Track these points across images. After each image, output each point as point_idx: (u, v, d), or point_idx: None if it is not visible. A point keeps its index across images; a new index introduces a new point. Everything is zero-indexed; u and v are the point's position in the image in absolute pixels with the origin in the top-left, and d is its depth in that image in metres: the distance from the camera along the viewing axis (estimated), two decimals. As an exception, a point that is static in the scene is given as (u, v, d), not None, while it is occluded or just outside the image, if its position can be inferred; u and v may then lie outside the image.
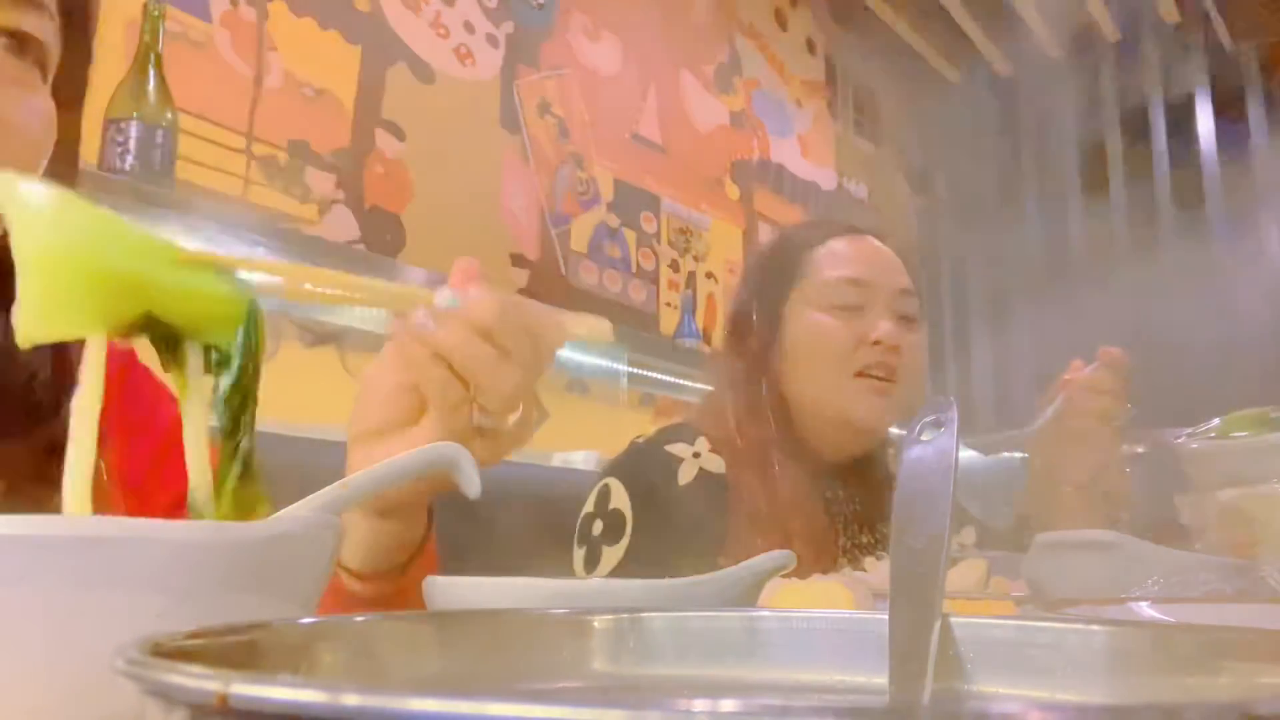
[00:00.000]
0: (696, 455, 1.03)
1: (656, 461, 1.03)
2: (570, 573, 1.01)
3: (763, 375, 1.08)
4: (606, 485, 1.04)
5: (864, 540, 1.11)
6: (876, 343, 1.05)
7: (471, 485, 0.37)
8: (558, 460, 1.92)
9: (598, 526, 1.01)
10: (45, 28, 0.52)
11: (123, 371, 0.70)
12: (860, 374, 1.05)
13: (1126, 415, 1.08)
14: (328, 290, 0.44)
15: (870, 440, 1.11)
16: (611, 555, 0.99)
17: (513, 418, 0.54)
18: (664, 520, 0.98)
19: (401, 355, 0.54)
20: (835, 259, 1.10)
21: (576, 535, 1.04)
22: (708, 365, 1.84)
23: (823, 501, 1.07)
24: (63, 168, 0.53)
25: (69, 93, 0.56)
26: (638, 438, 1.10)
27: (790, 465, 1.03)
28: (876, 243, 1.14)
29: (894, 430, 1.20)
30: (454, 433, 0.52)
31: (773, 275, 1.12)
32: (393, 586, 0.57)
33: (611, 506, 1.01)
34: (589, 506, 1.04)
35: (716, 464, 1.03)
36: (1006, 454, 1.14)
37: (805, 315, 1.08)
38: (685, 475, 1.01)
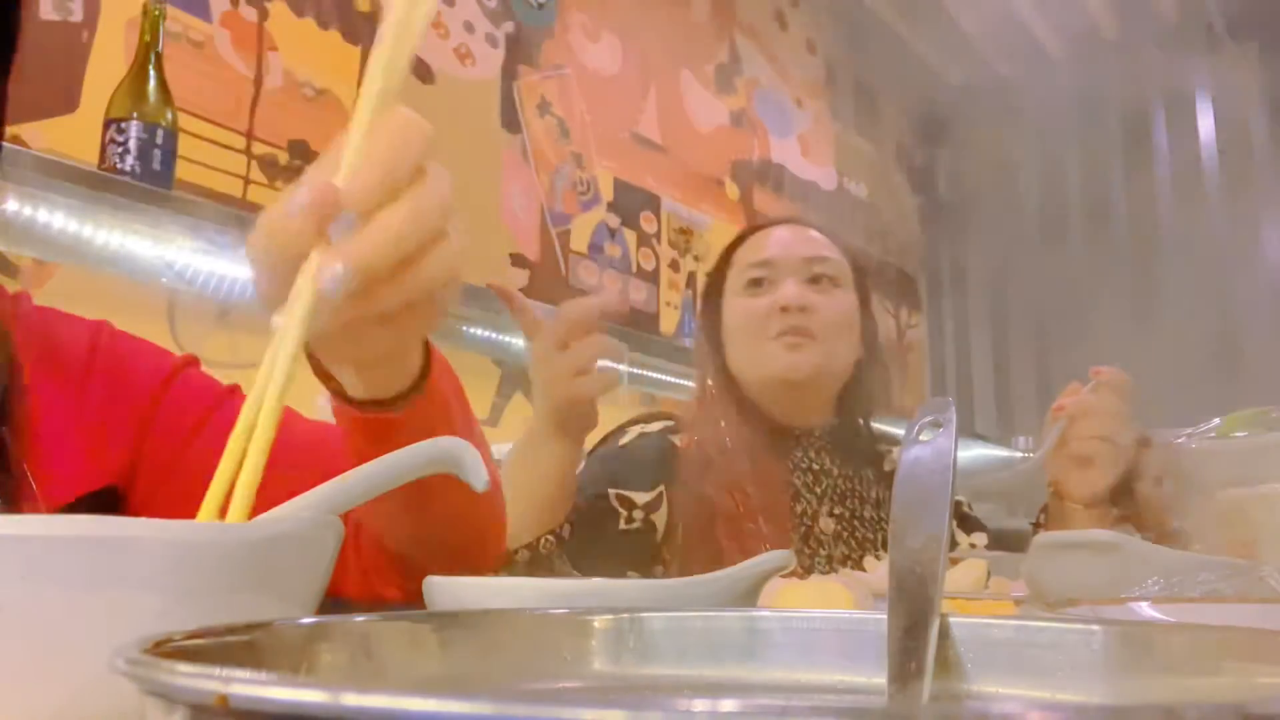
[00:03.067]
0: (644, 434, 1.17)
1: (611, 433, 1.20)
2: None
3: (715, 361, 1.22)
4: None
5: (866, 514, 1.18)
6: (785, 308, 1.15)
7: (477, 478, 0.36)
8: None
9: None
10: None
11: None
12: (777, 337, 1.16)
13: (1132, 433, 1.07)
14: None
15: (803, 392, 1.19)
16: None
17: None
18: (603, 470, 1.11)
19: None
20: (749, 248, 1.24)
21: None
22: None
23: (790, 467, 1.18)
24: None
25: None
26: None
27: (744, 429, 1.15)
28: (792, 227, 1.26)
29: (894, 428, 1.21)
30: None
31: (714, 275, 1.27)
32: (390, 416, 0.54)
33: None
34: None
35: (659, 429, 1.17)
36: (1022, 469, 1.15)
37: (732, 303, 1.22)
38: (626, 439, 1.17)
